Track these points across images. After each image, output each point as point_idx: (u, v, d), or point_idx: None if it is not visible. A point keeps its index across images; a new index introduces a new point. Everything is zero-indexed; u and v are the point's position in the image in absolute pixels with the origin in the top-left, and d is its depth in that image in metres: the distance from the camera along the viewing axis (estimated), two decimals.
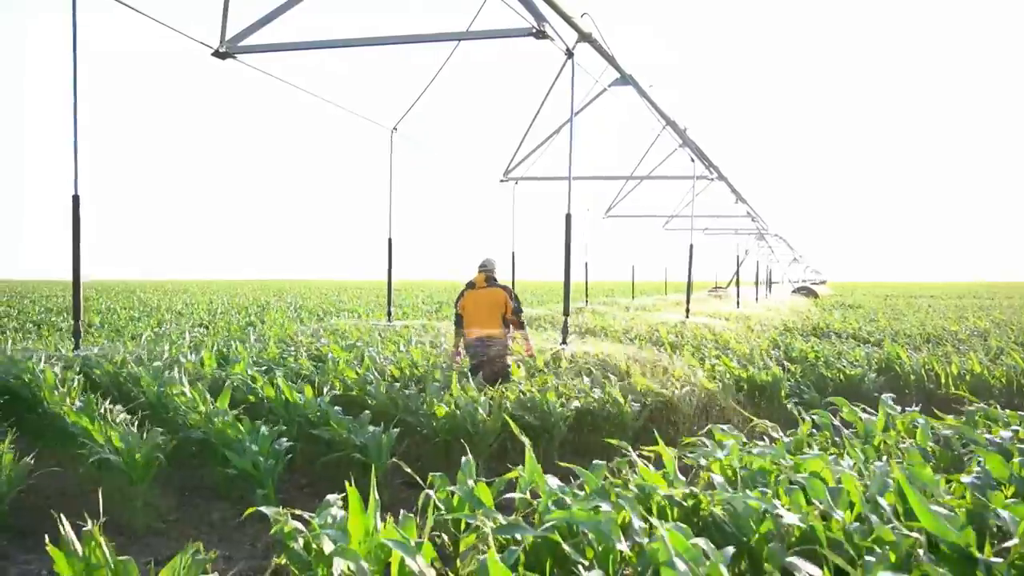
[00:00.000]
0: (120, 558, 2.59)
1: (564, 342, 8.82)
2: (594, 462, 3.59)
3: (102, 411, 5.24)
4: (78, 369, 6.83)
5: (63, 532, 2.60)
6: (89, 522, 2.60)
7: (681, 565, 2.35)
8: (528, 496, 3.32)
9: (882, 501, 2.85)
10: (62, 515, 2.71)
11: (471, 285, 7.83)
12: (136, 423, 5.14)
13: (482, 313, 7.68)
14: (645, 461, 3.63)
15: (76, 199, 7.03)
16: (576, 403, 6.20)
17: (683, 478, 3.47)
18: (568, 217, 8.69)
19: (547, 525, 2.80)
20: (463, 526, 3.24)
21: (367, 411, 5.70)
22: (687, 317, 15.12)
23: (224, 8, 7.94)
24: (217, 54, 8.09)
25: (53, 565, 2.58)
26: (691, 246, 16.00)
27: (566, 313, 9.15)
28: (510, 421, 4.22)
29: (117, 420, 5.14)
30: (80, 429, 4.94)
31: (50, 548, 2.59)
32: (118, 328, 16.24)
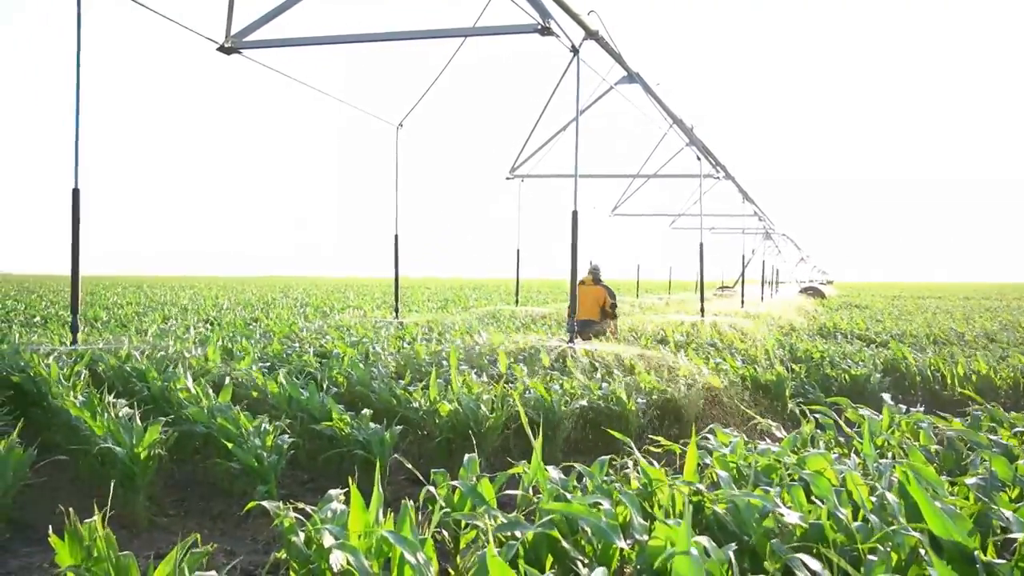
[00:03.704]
0: (121, 553, 2.59)
1: (571, 341, 8.78)
2: (599, 459, 3.58)
3: (105, 405, 5.24)
4: (84, 363, 6.84)
5: (67, 524, 2.60)
6: (94, 514, 2.60)
7: (682, 564, 2.34)
8: (530, 493, 3.31)
9: (890, 499, 2.82)
10: (64, 508, 2.71)
11: (583, 282, 10.92)
12: (139, 417, 5.13)
13: (587, 303, 11.03)
14: (650, 458, 3.62)
15: (76, 192, 7.03)
16: (581, 401, 6.18)
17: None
18: (575, 214, 8.66)
19: (545, 520, 2.79)
20: (463, 523, 3.23)
21: (370, 408, 5.70)
22: (702, 316, 15.02)
23: (229, 3, 7.94)
24: (222, 49, 8.09)
25: (55, 557, 2.58)
26: (701, 245, 15.97)
27: (572, 312, 9.11)
28: (521, 410, 4.19)
29: (120, 414, 5.13)
30: (83, 423, 4.94)
31: (52, 539, 2.59)
32: (123, 323, 16.28)
